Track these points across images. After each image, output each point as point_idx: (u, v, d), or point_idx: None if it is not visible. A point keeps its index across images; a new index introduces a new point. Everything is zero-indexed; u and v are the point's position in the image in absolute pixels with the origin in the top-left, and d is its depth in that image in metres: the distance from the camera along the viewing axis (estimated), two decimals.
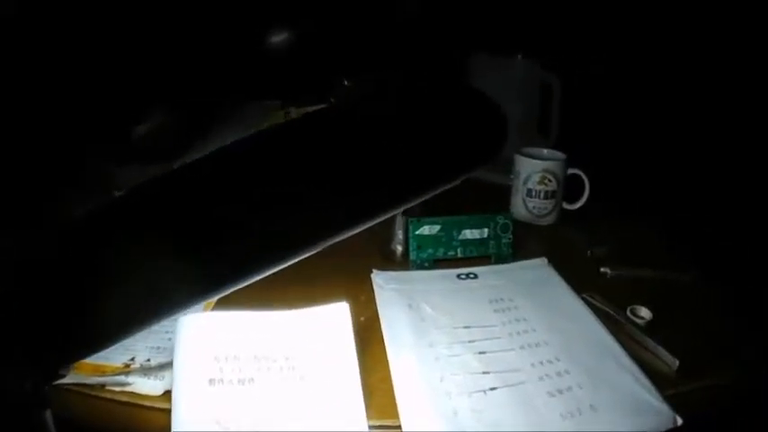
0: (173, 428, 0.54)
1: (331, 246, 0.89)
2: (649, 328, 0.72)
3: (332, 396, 0.58)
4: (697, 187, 1.13)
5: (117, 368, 0.62)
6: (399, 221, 0.88)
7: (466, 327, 0.72)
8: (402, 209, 0.71)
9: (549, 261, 0.88)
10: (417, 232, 0.86)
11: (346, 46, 1.24)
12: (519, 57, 1.21)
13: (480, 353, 0.67)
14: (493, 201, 1.08)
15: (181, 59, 1.14)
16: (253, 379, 0.58)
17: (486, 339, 0.70)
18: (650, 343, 0.70)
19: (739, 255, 0.89)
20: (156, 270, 0.46)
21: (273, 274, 0.50)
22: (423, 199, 0.54)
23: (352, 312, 0.66)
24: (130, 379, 0.60)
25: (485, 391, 0.61)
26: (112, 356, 0.63)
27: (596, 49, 1.26)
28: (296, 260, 0.51)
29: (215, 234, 0.46)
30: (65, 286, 0.46)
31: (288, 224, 0.49)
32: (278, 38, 1.23)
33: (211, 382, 0.57)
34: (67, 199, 0.92)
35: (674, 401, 0.60)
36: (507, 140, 0.57)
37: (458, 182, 0.52)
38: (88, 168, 1.04)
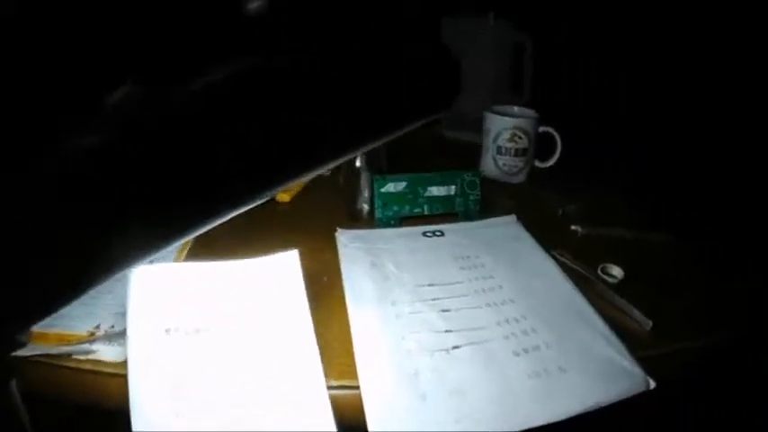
0: (129, 380, 0.52)
1: (297, 205, 0.87)
2: (621, 288, 0.69)
3: (286, 345, 0.57)
4: (670, 146, 1.11)
5: (82, 336, 0.60)
6: (365, 179, 0.85)
7: (430, 284, 0.69)
8: (357, 153, 0.67)
9: (519, 219, 0.85)
10: (383, 190, 0.83)
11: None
12: (491, 16, 1.17)
13: (444, 311, 0.64)
14: (466, 160, 1.06)
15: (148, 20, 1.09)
16: (209, 329, 0.57)
17: (451, 297, 0.66)
18: (622, 302, 0.66)
19: (713, 214, 0.87)
20: (104, 226, 0.43)
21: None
22: (375, 143, 0.51)
23: (306, 265, 0.63)
24: (95, 347, 0.58)
25: (447, 350, 0.58)
26: (77, 325, 0.61)
27: (568, 8, 1.23)
28: (250, 206, 0.47)
29: (183, 175, 0.44)
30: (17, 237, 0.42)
31: (245, 168, 0.47)
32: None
33: (167, 331, 0.57)
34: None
35: (646, 364, 0.57)
36: (461, 89, 0.54)
37: (412, 127, 0.49)
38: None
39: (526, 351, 0.58)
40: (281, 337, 0.58)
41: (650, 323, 0.63)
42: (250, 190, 0.48)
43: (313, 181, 0.95)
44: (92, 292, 0.46)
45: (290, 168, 0.49)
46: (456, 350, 0.58)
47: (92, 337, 0.60)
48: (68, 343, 0.59)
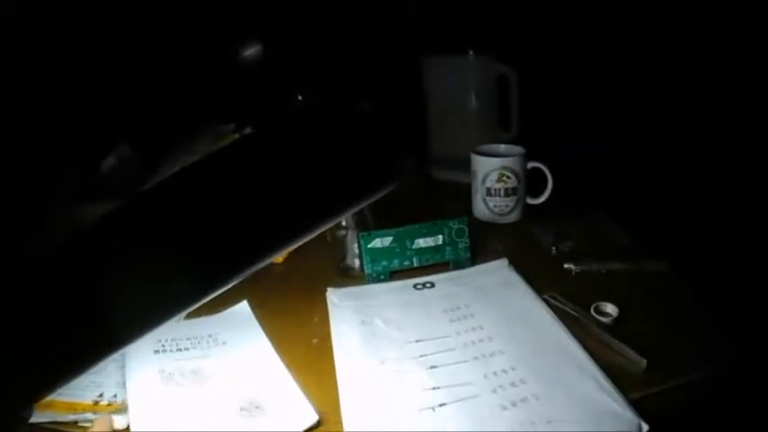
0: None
1: (291, 264, 0.88)
2: (615, 326, 0.68)
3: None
4: (664, 176, 1.10)
5: (87, 405, 0.64)
6: (352, 236, 0.85)
7: (417, 341, 0.68)
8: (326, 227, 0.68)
9: (513, 260, 0.85)
10: (369, 246, 0.82)
11: (301, 63, 1.22)
12: (470, 53, 1.17)
13: (431, 367, 0.63)
14: (458, 201, 1.06)
15: (139, 87, 1.11)
16: (188, 348, 0.71)
17: (439, 352, 0.66)
18: (616, 343, 0.65)
19: (707, 245, 0.86)
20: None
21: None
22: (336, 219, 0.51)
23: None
24: (99, 416, 0.62)
25: (433, 408, 0.57)
26: (82, 393, 0.65)
27: (548, 37, 1.23)
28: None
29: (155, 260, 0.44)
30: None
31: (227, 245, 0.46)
32: (235, 56, 1.20)
33: (155, 351, 0.69)
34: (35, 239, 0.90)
35: (641, 405, 0.56)
36: (409, 160, 0.54)
37: (370, 200, 0.50)
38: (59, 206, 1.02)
39: (514, 404, 0.57)
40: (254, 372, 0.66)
41: (645, 362, 0.62)
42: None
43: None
44: None
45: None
46: (442, 408, 0.57)
47: (96, 407, 0.63)
48: (75, 411, 0.62)
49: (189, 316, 0.75)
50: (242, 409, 0.60)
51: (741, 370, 0.63)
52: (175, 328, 0.73)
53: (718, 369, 0.63)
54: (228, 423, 0.59)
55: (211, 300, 0.46)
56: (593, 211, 1.03)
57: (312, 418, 0.57)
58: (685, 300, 0.76)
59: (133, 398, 0.62)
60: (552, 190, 1.02)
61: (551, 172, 1.01)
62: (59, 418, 0.61)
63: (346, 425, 0.56)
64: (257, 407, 0.60)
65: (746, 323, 0.68)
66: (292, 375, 0.64)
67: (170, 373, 0.66)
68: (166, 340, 0.72)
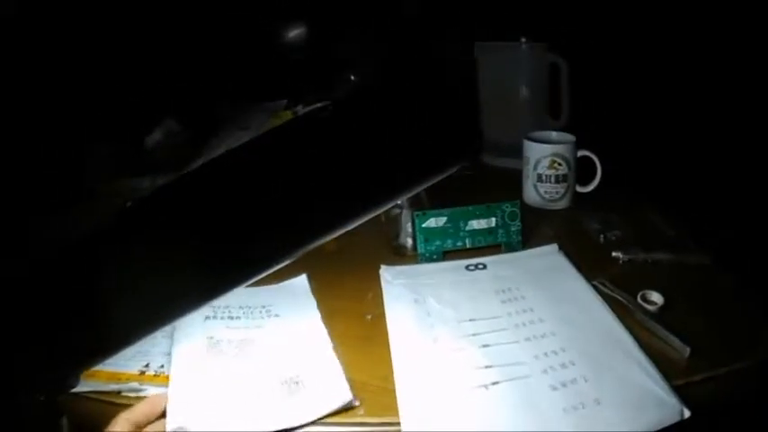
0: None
1: (343, 242, 0.91)
2: (661, 315, 0.71)
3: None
4: (710, 168, 1.11)
5: (132, 375, 0.64)
6: (406, 215, 0.87)
7: (471, 320, 0.71)
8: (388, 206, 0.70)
9: (562, 247, 0.87)
10: (424, 225, 0.85)
11: (351, 42, 1.23)
12: (523, 40, 1.19)
13: (484, 346, 0.66)
14: (509, 187, 1.08)
15: (186, 63, 1.14)
16: (239, 317, 0.73)
17: (492, 332, 0.69)
18: (661, 330, 0.67)
19: (753, 239, 0.87)
20: (165, 276, 0.47)
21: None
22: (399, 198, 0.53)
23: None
24: (144, 386, 0.62)
25: (486, 386, 0.60)
26: (128, 364, 0.65)
27: (601, 27, 1.23)
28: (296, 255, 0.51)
29: (222, 235, 0.47)
30: (72, 298, 0.47)
31: (288, 223, 0.49)
32: (284, 36, 1.22)
33: (206, 317, 0.71)
34: (81, 212, 0.92)
35: (684, 392, 0.58)
36: (482, 138, 0.55)
37: (433, 181, 0.51)
38: (101, 180, 1.05)
39: (564, 385, 0.60)
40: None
41: (688, 350, 0.64)
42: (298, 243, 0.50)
43: None
44: None
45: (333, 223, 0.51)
46: (495, 386, 0.60)
47: (141, 378, 0.64)
48: (119, 381, 0.63)
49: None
50: (282, 383, 0.61)
51: None
52: (230, 295, 0.74)
53: (761, 359, 0.65)
54: (266, 396, 0.60)
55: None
56: (639, 201, 1.04)
57: (346, 397, 0.59)
58: (728, 292, 0.78)
59: (176, 362, 0.64)
60: (601, 179, 1.03)
61: (600, 161, 1.03)
62: (102, 388, 0.62)
63: (401, 402, 0.59)
64: (297, 382, 0.61)
65: None
66: (338, 353, 0.66)
67: (218, 341, 0.67)
68: (219, 307, 0.73)
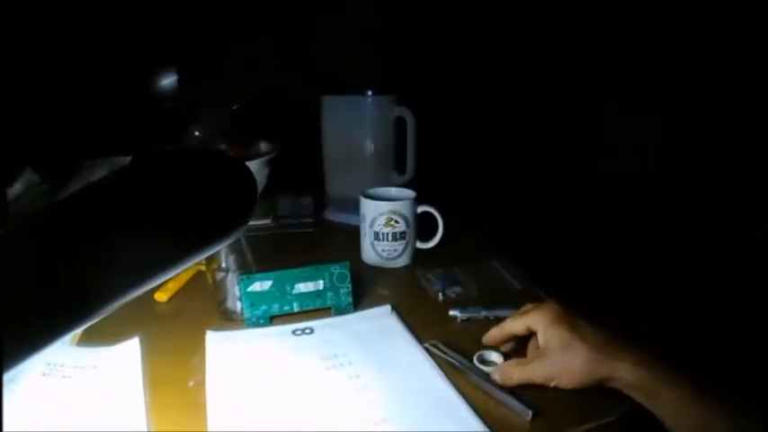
0: None
1: (175, 304, 0.84)
2: None
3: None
4: (553, 215, 1.12)
5: None
6: (232, 278, 0.83)
7: (292, 389, 0.66)
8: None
9: (399, 306, 0.84)
10: (249, 289, 0.80)
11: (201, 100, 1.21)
12: (369, 93, 1.17)
13: (306, 414, 0.62)
14: (350, 244, 1.05)
15: (45, 119, 1.09)
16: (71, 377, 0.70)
17: (314, 400, 0.64)
18: (500, 393, 0.64)
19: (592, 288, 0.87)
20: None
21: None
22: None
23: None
24: None
25: None
26: None
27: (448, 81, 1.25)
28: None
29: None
30: None
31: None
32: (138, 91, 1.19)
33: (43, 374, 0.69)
34: None
35: None
36: (256, 202, 0.52)
37: (212, 250, 0.48)
38: None
39: None
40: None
41: (530, 413, 0.61)
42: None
43: (191, 280, 0.94)
44: None
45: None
46: None
47: None
48: None
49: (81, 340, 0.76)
50: None
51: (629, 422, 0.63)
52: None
53: (610, 419, 0.62)
54: None
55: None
56: (485, 256, 1.03)
57: None
58: None
59: None
60: (444, 234, 1.02)
61: (446, 215, 1.01)
62: None
63: None
64: None
65: None
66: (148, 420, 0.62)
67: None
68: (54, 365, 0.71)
